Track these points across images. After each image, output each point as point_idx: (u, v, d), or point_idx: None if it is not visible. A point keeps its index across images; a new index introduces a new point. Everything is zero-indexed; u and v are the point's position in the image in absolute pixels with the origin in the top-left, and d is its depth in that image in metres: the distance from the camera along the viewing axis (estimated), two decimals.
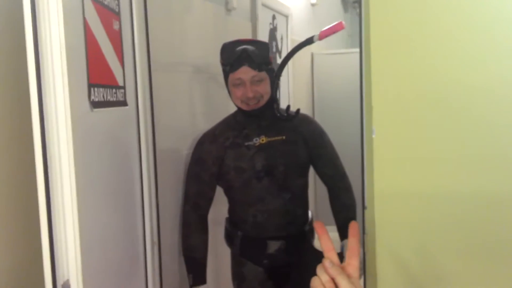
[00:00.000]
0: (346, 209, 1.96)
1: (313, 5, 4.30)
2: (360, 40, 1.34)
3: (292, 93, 3.68)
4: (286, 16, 3.58)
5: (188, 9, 2.17)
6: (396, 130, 1.22)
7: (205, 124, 2.10)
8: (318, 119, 4.30)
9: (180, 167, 2.03)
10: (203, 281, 1.89)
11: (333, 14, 4.95)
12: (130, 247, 1.58)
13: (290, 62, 3.67)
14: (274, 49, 3.31)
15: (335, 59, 4.25)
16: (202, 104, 2.28)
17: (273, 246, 1.91)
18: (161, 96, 1.90)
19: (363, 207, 1.46)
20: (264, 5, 3.08)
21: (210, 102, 2.30)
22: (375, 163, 1.25)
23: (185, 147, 2.05)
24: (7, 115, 1.08)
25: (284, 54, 3.50)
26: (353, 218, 1.91)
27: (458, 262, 1.23)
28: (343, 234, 1.92)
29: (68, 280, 1.05)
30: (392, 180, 1.24)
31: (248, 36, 2.90)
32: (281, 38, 3.47)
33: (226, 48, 1.85)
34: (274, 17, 3.32)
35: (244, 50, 1.79)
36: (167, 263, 1.94)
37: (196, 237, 1.93)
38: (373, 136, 1.25)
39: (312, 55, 4.28)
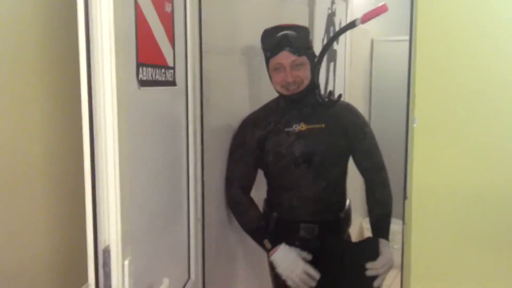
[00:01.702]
0: (380, 206, 1.93)
1: None
2: (411, 30, 1.32)
3: (349, 81, 3.63)
4: (346, 1, 3.52)
5: None
6: (438, 120, 1.19)
7: (254, 106, 2.13)
8: (374, 108, 4.23)
9: (227, 147, 2.08)
10: (280, 241, 1.91)
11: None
12: (174, 221, 1.65)
13: (347, 49, 3.62)
14: (332, 35, 3.27)
15: (396, 46, 4.13)
16: (252, 87, 2.31)
17: (306, 229, 1.94)
18: (212, 77, 1.95)
19: (404, 197, 1.45)
20: None
21: (261, 85, 2.32)
22: (415, 153, 1.23)
23: (233, 128, 2.10)
24: (56, 92, 1.16)
25: (341, 39, 3.45)
26: (387, 216, 1.90)
27: (492, 253, 1.20)
28: (377, 232, 1.91)
29: (108, 246, 1.12)
30: (431, 170, 1.23)
31: (304, 21, 2.89)
32: (340, 23, 3.42)
33: (266, 33, 1.88)
34: (333, 2, 3.28)
35: (284, 35, 1.82)
36: (210, 240, 2.01)
37: (251, 210, 2.00)
38: (415, 125, 1.24)
39: (372, 41, 4.19)
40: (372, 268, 1.81)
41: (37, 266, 1.12)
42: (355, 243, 2.05)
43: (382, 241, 1.84)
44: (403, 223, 1.37)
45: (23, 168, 1.06)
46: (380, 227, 1.89)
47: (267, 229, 1.98)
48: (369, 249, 1.87)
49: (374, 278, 1.81)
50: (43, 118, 1.12)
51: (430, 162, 1.22)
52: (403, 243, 1.40)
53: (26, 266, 1.09)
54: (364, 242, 2.01)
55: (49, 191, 1.15)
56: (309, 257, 1.89)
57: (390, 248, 1.84)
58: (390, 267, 1.82)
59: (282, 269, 1.88)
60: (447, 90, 1.16)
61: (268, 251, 1.93)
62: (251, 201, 2.03)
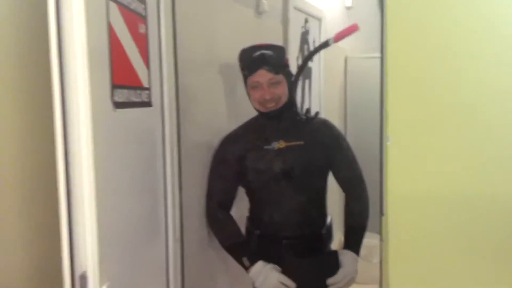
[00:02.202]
0: (352, 219, 1.99)
1: (348, 8, 4.28)
2: (382, 46, 1.35)
3: (324, 97, 3.67)
4: (319, 19, 3.58)
5: (217, 12, 2.21)
6: (411, 137, 1.21)
7: (232, 124, 2.14)
8: (350, 124, 4.29)
9: (206, 165, 2.08)
10: (258, 259, 1.92)
11: (369, 18, 4.89)
12: (152, 244, 1.63)
13: (322, 66, 3.67)
14: (305, 53, 3.32)
15: (370, 63, 4.20)
16: (229, 104, 2.32)
17: (288, 245, 1.94)
18: (189, 95, 1.95)
19: (381, 213, 1.46)
20: (296, 8, 3.09)
21: (238, 102, 2.34)
22: (389, 170, 1.25)
23: (212, 145, 2.10)
24: (29, 112, 1.15)
25: (316, 57, 3.50)
26: (360, 228, 1.97)
27: (472, 264, 1.22)
28: (346, 243, 1.97)
29: (85, 271, 1.10)
30: (405, 186, 1.24)
31: (279, 39, 2.92)
32: (314, 42, 3.48)
33: (244, 53, 1.93)
34: (306, 20, 3.33)
35: (261, 54, 1.86)
36: (189, 260, 1.99)
37: (229, 226, 2.00)
38: (388, 143, 1.26)
39: (346, 58, 4.26)
40: (333, 283, 1.85)
41: None
42: (315, 258, 2.05)
43: (344, 253, 1.89)
44: (381, 239, 1.38)
45: None
46: (350, 239, 1.95)
47: (246, 247, 1.98)
48: (329, 262, 1.90)
49: None
50: (16, 142, 1.10)
51: (404, 178, 1.24)
52: (381, 261, 1.41)
53: None
54: (323, 256, 2.01)
55: (23, 216, 1.13)
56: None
57: (354, 260, 1.88)
58: (352, 278, 1.88)
59: (259, 283, 1.90)
60: (419, 105, 1.18)
61: (246, 268, 1.93)
62: (229, 218, 2.03)
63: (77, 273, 1.10)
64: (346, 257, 1.89)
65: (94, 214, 1.11)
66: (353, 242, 1.94)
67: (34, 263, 1.15)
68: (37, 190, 1.17)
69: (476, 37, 1.16)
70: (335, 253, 1.93)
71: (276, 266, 1.91)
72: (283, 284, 1.87)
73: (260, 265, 1.91)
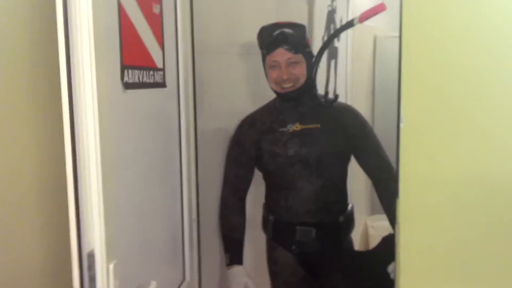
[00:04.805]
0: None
1: None
2: (400, 26, 1.29)
3: (351, 79, 3.59)
4: None
5: None
6: (425, 119, 1.17)
7: (251, 106, 2.12)
8: (378, 106, 4.18)
9: (224, 148, 2.08)
10: (240, 261, 1.93)
11: None
12: (167, 222, 1.65)
13: (349, 46, 3.59)
14: (331, 32, 3.24)
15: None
16: (249, 86, 2.30)
17: (302, 232, 1.92)
18: (207, 77, 1.94)
19: (396, 196, 1.43)
20: None
21: (258, 84, 2.31)
22: (402, 153, 1.21)
23: (230, 128, 2.09)
24: (36, 91, 1.16)
25: (343, 36, 3.42)
26: None
27: (483, 250, 1.18)
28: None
29: (93, 249, 1.12)
30: (419, 170, 1.21)
31: (303, 18, 2.86)
32: (341, 21, 3.39)
33: (263, 30, 1.87)
34: None
35: (281, 32, 1.81)
36: (207, 240, 2.01)
37: (234, 218, 1.99)
38: (401, 124, 1.21)
39: (375, 38, 4.15)
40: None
41: (19, 271, 1.12)
42: (374, 249, 1.98)
43: None
44: (395, 222, 1.35)
45: (2, 173, 1.06)
46: None
47: (236, 245, 1.97)
48: (390, 249, 1.84)
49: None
50: (23, 122, 1.12)
51: (418, 162, 1.20)
52: (395, 244, 1.38)
53: (7, 271, 1.09)
54: (383, 244, 1.91)
55: (31, 195, 1.15)
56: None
57: None
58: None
59: (229, 284, 1.92)
60: (435, 88, 1.14)
61: (226, 264, 1.96)
62: (239, 209, 2.01)
63: (85, 251, 1.12)
64: None
65: (101, 194, 1.12)
66: None
67: (41, 242, 1.18)
68: (45, 171, 1.19)
69: (498, 20, 1.10)
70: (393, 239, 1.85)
71: (250, 282, 1.89)
72: None
73: (236, 270, 1.91)
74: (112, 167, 1.17)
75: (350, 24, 1.94)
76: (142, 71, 1.37)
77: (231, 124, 2.09)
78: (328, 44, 1.92)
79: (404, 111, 1.16)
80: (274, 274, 2.02)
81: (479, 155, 1.09)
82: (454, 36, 1.08)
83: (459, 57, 1.09)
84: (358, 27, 2.57)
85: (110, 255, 1.15)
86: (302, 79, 1.86)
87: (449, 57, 1.09)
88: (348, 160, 1.99)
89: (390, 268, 1.78)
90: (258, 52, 1.96)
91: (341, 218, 1.96)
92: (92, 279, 1.13)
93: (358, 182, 3.12)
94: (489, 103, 1.07)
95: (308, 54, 1.88)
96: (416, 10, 1.16)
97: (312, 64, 1.88)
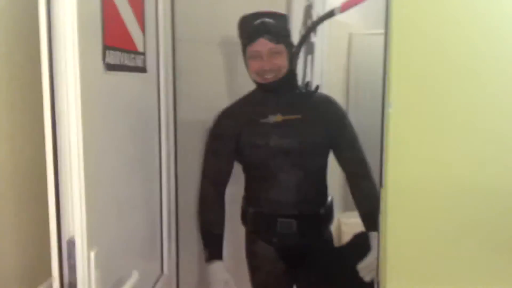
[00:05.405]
0: (369, 198, 1.87)
1: None
2: (386, 18, 1.29)
3: (327, 73, 3.60)
4: None
5: None
6: (414, 105, 1.17)
7: (230, 97, 2.08)
8: (352, 100, 4.21)
9: (202, 140, 2.03)
10: (219, 257, 1.89)
11: None
12: (146, 213, 1.60)
13: (325, 42, 3.60)
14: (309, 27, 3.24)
15: (375, 40, 4.10)
16: (227, 77, 2.26)
17: (283, 224, 1.88)
18: (186, 66, 1.90)
19: (380, 185, 1.42)
20: None
21: (236, 75, 2.28)
22: (391, 139, 1.20)
23: (209, 120, 2.05)
24: (16, 68, 1.10)
25: (319, 32, 3.42)
26: (377, 208, 1.85)
27: (472, 251, 1.19)
28: (369, 225, 1.86)
29: (73, 236, 1.07)
30: (407, 158, 1.20)
31: (282, 11, 2.85)
32: (318, 16, 3.39)
33: (244, 20, 1.83)
34: None
35: (262, 22, 1.78)
36: (185, 234, 1.97)
37: (213, 212, 1.94)
38: (389, 110, 1.21)
39: (350, 35, 4.17)
40: (365, 266, 1.78)
41: None
42: (344, 246, 1.99)
43: (372, 234, 1.79)
44: (380, 212, 1.34)
45: None
46: (372, 219, 1.80)
47: (215, 240, 1.92)
48: (360, 247, 1.83)
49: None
50: (1, 106, 1.06)
51: (407, 149, 1.19)
52: (379, 233, 1.38)
53: None
54: (353, 241, 1.93)
55: (10, 180, 1.09)
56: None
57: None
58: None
59: (208, 280, 1.88)
60: (424, 72, 1.13)
61: (205, 260, 1.91)
62: (218, 200, 1.95)
63: (65, 238, 1.07)
64: (373, 238, 1.75)
65: (83, 179, 1.07)
66: (376, 222, 1.82)
67: (19, 228, 1.12)
68: (24, 155, 1.13)
69: (491, 8, 1.11)
70: (366, 236, 1.83)
71: (229, 278, 1.86)
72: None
73: (216, 266, 1.86)
74: (93, 151, 1.12)
75: (331, 14, 1.92)
76: (123, 53, 1.32)
77: (210, 115, 2.05)
78: (309, 33, 1.91)
79: (393, 96, 1.15)
80: (253, 267, 1.99)
81: (467, 147, 1.10)
82: (448, 19, 1.08)
83: (452, 56, 1.09)
84: (333, 23, 2.57)
85: (91, 242, 1.09)
86: (284, 70, 1.83)
87: (440, 54, 1.09)
88: (328, 151, 1.98)
89: (362, 265, 1.79)
90: (236, 43, 1.92)
91: (322, 210, 1.94)
92: (72, 267, 1.07)
93: (332, 178, 3.13)
94: (490, 90, 1.08)
95: (289, 45, 1.86)
96: (406, 3, 1.16)
97: (293, 54, 1.86)
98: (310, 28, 1.93)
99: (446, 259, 1.23)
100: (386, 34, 1.26)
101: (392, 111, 1.15)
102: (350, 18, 3.93)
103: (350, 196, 2.00)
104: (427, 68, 1.15)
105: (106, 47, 1.20)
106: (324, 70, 3.55)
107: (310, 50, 3.29)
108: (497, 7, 1.13)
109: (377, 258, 1.43)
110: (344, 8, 1.89)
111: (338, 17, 2.07)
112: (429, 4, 1.17)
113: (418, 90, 1.13)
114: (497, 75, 1.12)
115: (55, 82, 1.03)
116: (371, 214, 1.81)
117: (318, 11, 3.41)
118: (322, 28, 3.47)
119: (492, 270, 1.22)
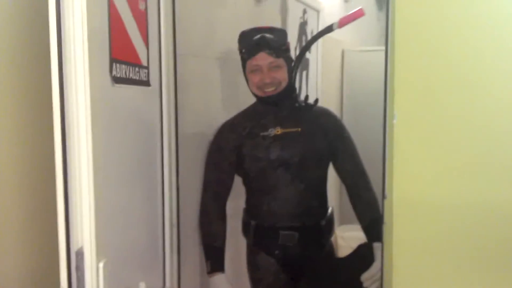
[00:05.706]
0: (371, 209, 1.90)
1: (346, 1, 4.25)
2: (387, 33, 1.32)
3: (321, 90, 3.65)
4: (317, 11, 3.55)
5: None
6: (419, 116, 1.19)
7: (231, 111, 2.10)
8: (346, 116, 4.26)
9: (203, 153, 2.05)
10: (221, 269, 1.89)
11: (366, 12, 4.88)
12: (149, 225, 1.60)
13: (319, 58, 3.65)
14: (303, 43, 3.29)
15: (367, 57, 4.17)
16: (228, 92, 2.29)
17: (285, 236, 1.90)
18: (187, 81, 1.92)
19: (383, 197, 1.44)
20: None
21: (237, 90, 2.31)
22: (395, 150, 1.22)
23: (209, 133, 2.07)
24: (27, 80, 1.11)
25: (313, 49, 3.48)
26: (379, 217, 1.87)
27: (479, 262, 1.20)
28: (371, 236, 1.87)
29: (82, 247, 1.07)
30: (412, 169, 1.22)
31: None
32: (312, 33, 3.45)
33: (244, 35, 1.87)
34: (305, 11, 3.31)
35: (262, 37, 1.81)
36: (187, 246, 1.96)
37: (214, 225, 1.94)
38: (394, 121, 1.23)
39: (343, 51, 4.23)
40: (369, 277, 1.79)
41: (5, 269, 1.05)
42: (348, 257, 1.99)
43: (375, 245, 1.81)
44: (383, 222, 1.35)
45: None
46: (375, 230, 1.81)
47: (217, 252, 1.93)
48: (365, 258, 1.84)
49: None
50: (12, 117, 1.07)
51: (411, 160, 1.21)
52: (382, 244, 1.39)
53: None
54: (358, 252, 1.94)
55: (20, 191, 1.09)
56: None
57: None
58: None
59: None
60: (427, 82, 1.16)
61: (207, 272, 1.91)
62: (219, 213, 1.97)
63: (73, 249, 1.07)
64: (377, 249, 1.76)
65: (92, 189, 1.08)
66: (379, 232, 1.82)
67: (28, 239, 1.12)
68: (34, 167, 1.13)
69: (491, 19, 1.14)
70: (370, 247, 1.84)
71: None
72: None
73: (218, 278, 1.87)
74: (102, 162, 1.13)
75: (329, 29, 1.97)
76: (128, 67, 1.34)
77: (210, 128, 2.07)
78: (308, 47, 1.95)
79: (397, 107, 1.17)
80: (255, 280, 1.99)
81: (472, 158, 1.12)
82: (450, 32, 1.11)
83: (457, 52, 1.12)
84: (327, 40, 2.61)
85: (100, 253, 1.10)
86: (284, 83, 1.86)
87: (445, 54, 1.11)
88: (328, 163, 2.00)
89: (366, 275, 1.80)
90: (235, 57, 1.95)
91: (323, 222, 1.96)
92: (81, 278, 1.07)
93: (330, 191, 3.15)
94: (494, 102, 1.10)
95: (288, 59, 1.90)
96: (407, 12, 1.19)
97: (292, 68, 1.90)
98: (309, 42, 1.97)
99: (452, 269, 1.24)
100: (387, 45, 1.29)
101: (397, 122, 1.17)
102: (343, 35, 4.01)
103: (345, 209, 2.03)
104: (431, 80, 1.18)
105: (113, 60, 1.22)
106: (318, 85, 3.60)
107: (305, 66, 3.34)
108: (501, 20, 1.16)
109: (381, 269, 1.45)
110: (342, 23, 1.93)
111: (331, 34, 2.12)
112: (431, 16, 1.20)
113: (422, 102, 1.15)
114: (503, 87, 1.14)
115: (65, 95, 1.04)
116: (373, 225, 1.85)
117: (312, 28, 3.47)
118: (316, 45, 3.53)
119: (498, 283, 1.24)
